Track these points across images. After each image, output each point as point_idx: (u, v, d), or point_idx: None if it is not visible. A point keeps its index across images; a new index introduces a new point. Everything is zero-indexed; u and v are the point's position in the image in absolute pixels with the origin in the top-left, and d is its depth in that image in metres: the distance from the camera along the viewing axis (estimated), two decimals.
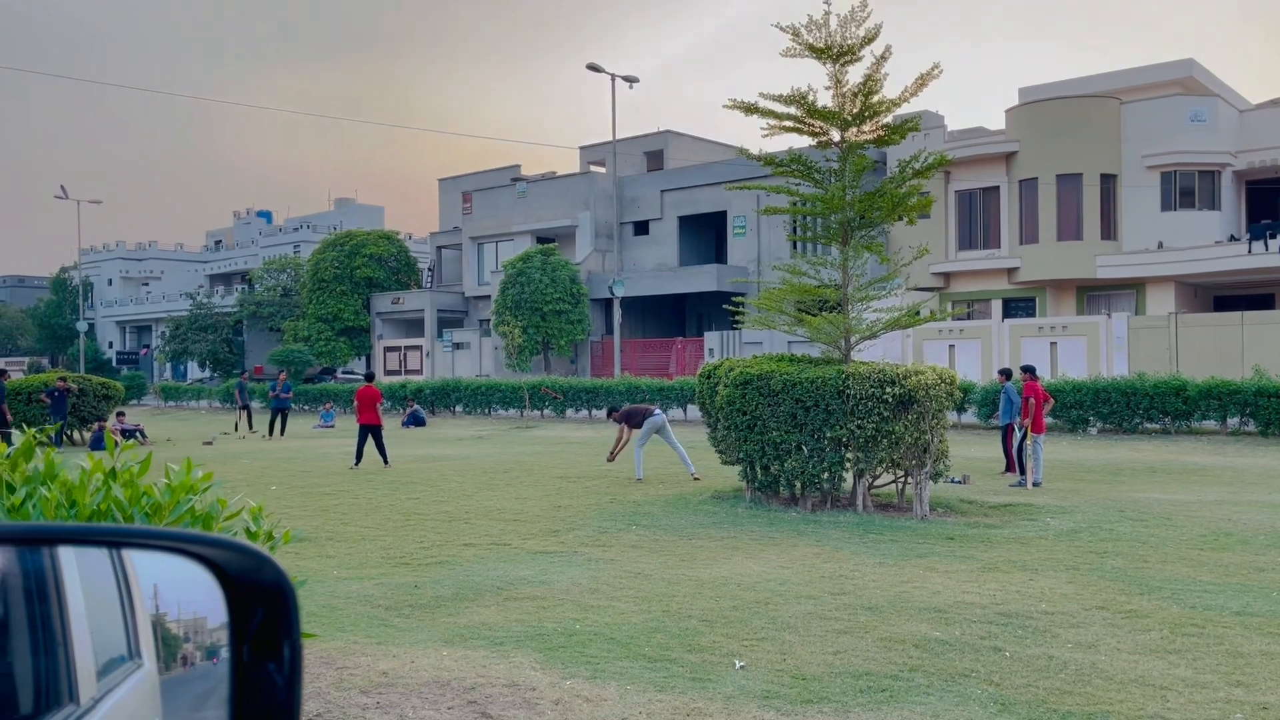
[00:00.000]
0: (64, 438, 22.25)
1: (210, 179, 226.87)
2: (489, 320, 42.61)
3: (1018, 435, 14.87)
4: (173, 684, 1.20)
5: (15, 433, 3.36)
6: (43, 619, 1.04)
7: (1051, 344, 29.80)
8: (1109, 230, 33.37)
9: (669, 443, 14.91)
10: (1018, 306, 34.98)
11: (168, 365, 60.03)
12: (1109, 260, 32.88)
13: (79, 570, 1.10)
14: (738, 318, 13.87)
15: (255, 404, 38.41)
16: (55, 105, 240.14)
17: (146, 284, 76.76)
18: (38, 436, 3.33)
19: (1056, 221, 33.46)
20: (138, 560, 1.20)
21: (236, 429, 28.03)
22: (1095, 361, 28.62)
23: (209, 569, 1.06)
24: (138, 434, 23.54)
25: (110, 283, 77.53)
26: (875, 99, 12.01)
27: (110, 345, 73.14)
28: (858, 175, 12.16)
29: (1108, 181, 33.29)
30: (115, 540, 1.20)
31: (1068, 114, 33.38)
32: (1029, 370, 14.96)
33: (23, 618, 1.01)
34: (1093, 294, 34.32)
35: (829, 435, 11.07)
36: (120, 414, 25.37)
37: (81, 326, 55.75)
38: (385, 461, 17.08)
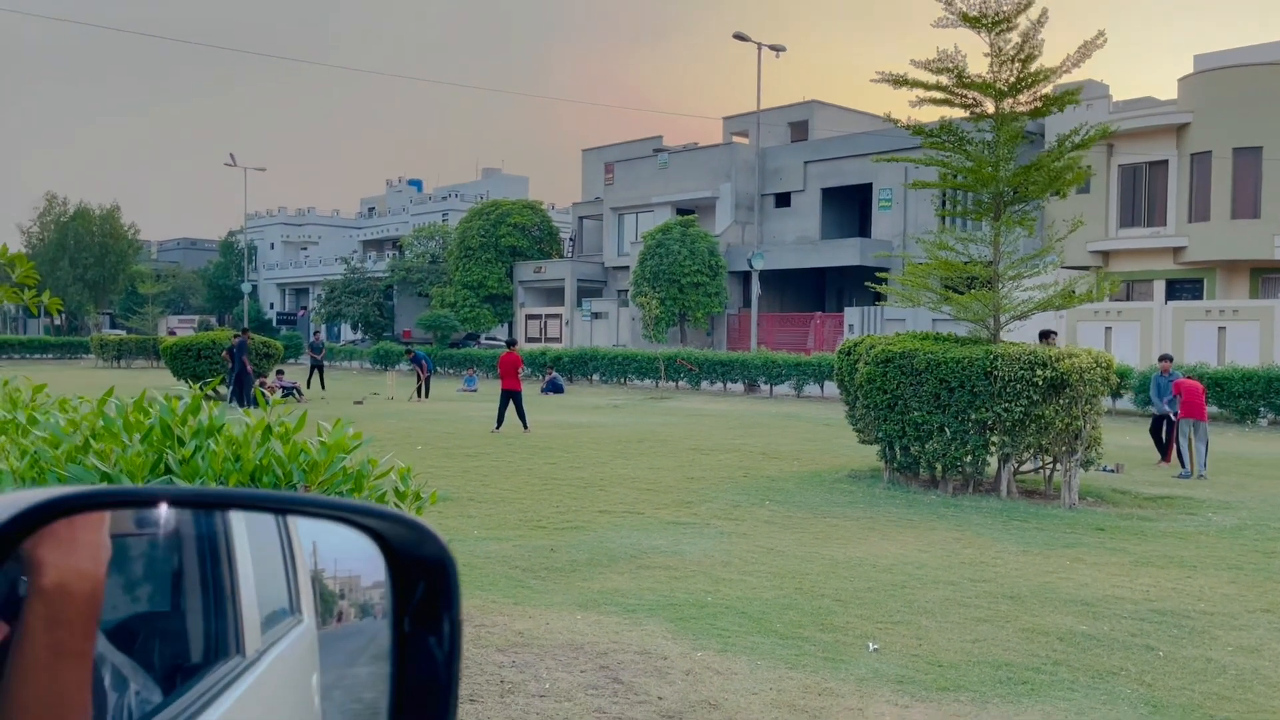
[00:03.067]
0: (244, 396, 23.21)
1: (365, 148, 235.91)
2: (627, 291, 42.93)
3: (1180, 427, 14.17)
4: (330, 638, 1.25)
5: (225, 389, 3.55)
6: (214, 576, 1.10)
7: (1220, 329, 27.97)
8: None
9: None
10: (1182, 288, 32.93)
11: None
12: None
13: (247, 530, 1.16)
14: (881, 293, 13.54)
15: (402, 367, 39.95)
16: (226, 77, 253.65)
17: (305, 248, 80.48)
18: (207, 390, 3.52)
19: (1231, 198, 31.28)
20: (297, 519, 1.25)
21: (311, 389, 28.64)
22: (1269, 349, 26.72)
23: (374, 539, 1.10)
24: (295, 391, 24.80)
25: (272, 246, 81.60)
26: (1033, 67, 11.49)
27: (271, 306, 77.08)
28: (1012, 147, 11.66)
29: None
30: (285, 508, 1.26)
31: (1249, 82, 31.04)
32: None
33: (196, 574, 1.07)
34: (1269, 276, 32.00)
35: (974, 418, 10.73)
36: (280, 372, 26.79)
37: (246, 288, 58.90)
38: (525, 426, 17.48)
